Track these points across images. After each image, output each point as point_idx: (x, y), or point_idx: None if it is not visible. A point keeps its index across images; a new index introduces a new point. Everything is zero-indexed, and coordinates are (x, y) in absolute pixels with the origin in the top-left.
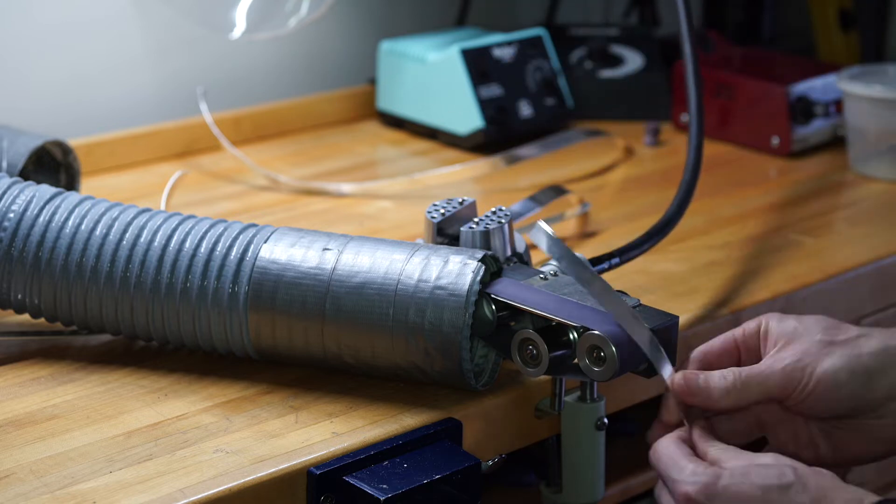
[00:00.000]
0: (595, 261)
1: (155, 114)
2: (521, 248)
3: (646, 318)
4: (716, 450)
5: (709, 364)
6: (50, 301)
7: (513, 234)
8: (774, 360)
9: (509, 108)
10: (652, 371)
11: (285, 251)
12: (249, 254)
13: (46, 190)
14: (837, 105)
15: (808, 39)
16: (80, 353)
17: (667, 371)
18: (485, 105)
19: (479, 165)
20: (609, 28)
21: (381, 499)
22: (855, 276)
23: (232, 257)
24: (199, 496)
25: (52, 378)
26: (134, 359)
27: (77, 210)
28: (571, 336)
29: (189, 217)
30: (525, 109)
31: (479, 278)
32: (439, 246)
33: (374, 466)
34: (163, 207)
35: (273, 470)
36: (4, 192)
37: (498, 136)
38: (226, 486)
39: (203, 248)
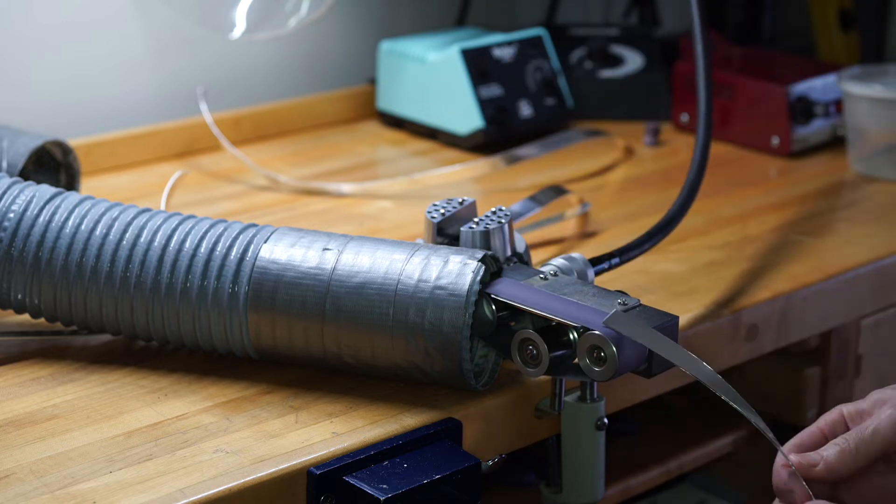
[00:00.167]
0: (595, 261)
1: (155, 114)
2: (521, 248)
3: (646, 318)
4: None
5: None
6: (50, 301)
7: (513, 234)
8: (876, 418)
9: (509, 108)
10: (652, 371)
11: (285, 251)
12: (249, 254)
13: (46, 190)
14: (837, 105)
15: (808, 39)
16: (80, 353)
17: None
18: (485, 105)
19: (479, 165)
20: (609, 28)
21: (381, 499)
22: (855, 276)
23: (232, 257)
24: (199, 496)
25: (52, 378)
26: (134, 359)
27: (77, 210)
28: (571, 336)
29: (189, 217)
30: (525, 109)
31: (479, 278)
32: (439, 246)
33: (374, 466)
34: (163, 207)
35: (273, 470)
36: (4, 192)
37: (498, 136)
38: (226, 486)
39: (203, 248)
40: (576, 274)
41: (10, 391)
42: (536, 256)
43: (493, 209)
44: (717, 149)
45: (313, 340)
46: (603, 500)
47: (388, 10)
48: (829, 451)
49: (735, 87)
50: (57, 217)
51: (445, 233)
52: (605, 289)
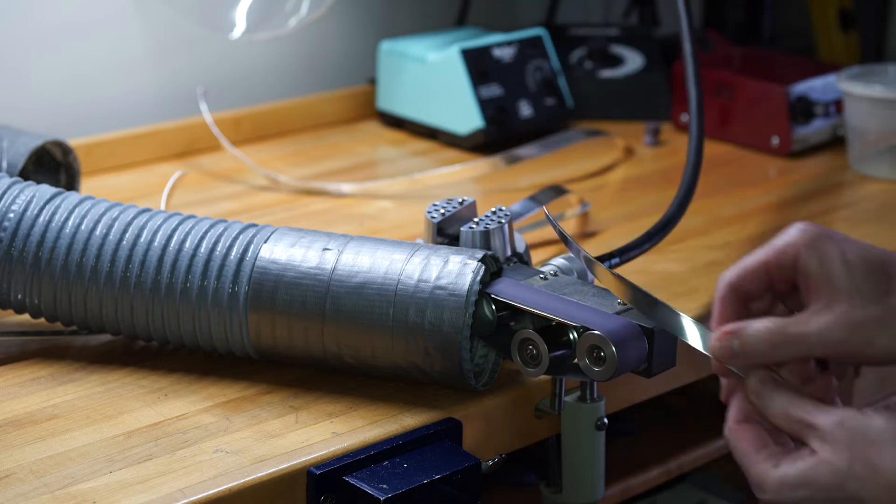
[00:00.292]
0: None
1: (155, 114)
2: (521, 248)
3: (646, 318)
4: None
5: (742, 298)
6: (50, 301)
7: (513, 234)
8: (819, 327)
9: (509, 108)
10: (652, 371)
11: (285, 251)
12: (249, 254)
13: (46, 190)
14: (837, 105)
15: (808, 39)
16: (80, 353)
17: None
18: (485, 105)
19: (479, 165)
20: (609, 28)
21: (381, 499)
22: None
23: (232, 257)
24: (199, 496)
25: (52, 378)
26: (134, 359)
27: (77, 210)
28: (571, 336)
29: (189, 217)
30: (525, 109)
31: (479, 278)
32: (439, 246)
33: (374, 466)
34: (163, 207)
35: (273, 470)
36: (4, 192)
37: (498, 136)
38: (226, 486)
39: (203, 248)
40: (576, 274)
41: (10, 391)
42: (536, 256)
43: (493, 209)
44: (718, 149)
45: (313, 340)
46: (603, 500)
47: (388, 10)
48: (754, 329)
49: (735, 87)
50: (57, 217)
51: (445, 233)
52: (605, 289)
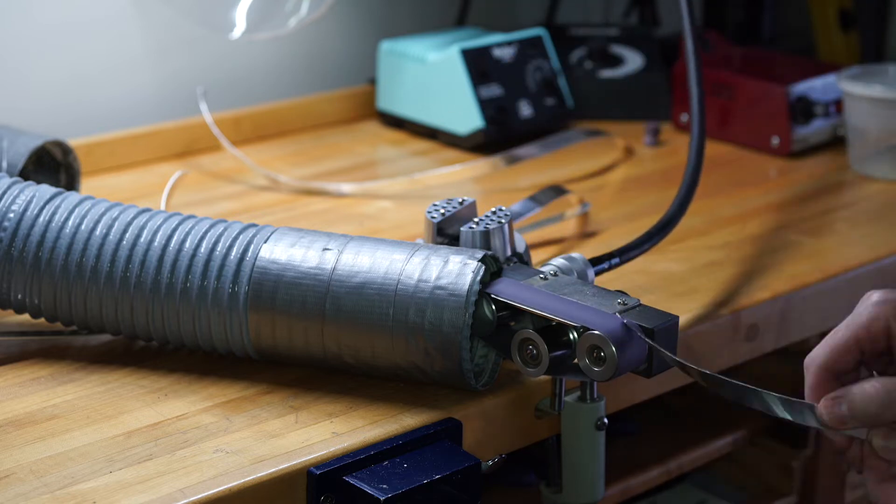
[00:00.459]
0: (595, 261)
1: (155, 114)
2: (521, 248)
3: (646, 318)
4: None
5: (834, 375)
6: (50, 301)
7: (513, 234)
8: None
9: (509, 108)
10: (652, 371)
11: (285, 251)
12: (249, 254)
13: (46, 190)
14: (837, 105)
15: (808, 39)
16: (80, 353)
17: (812, 419)
18: (485, 105)
19: (479, 165)
20: (609, 28)
21: (381, 499)
22: (855, 276)
23: (232, 257)
24: (199, 496)
25: (52, 378)
26: (134, 359)
27: (77, 210)
28: (571, 336)
29: (189, 217)
30: (525, 109)
31: (479, 278)
32: (439, 246)
33: (374, 466)
34: (163, 207)
35: (273, 470)
36: (4, 192)
37: (498, 136)
38: (226, 486)
39: (203, 248)
40: (576, 274)
41: (10, 391)
42: (536, 256)
43: (493, 209)
44: (718, 149)
45: (313, 340)
46: (603, 500)
47: (388, 10)
48: (861, 402)
49: (735, 87)
50: (57, 217)
51: (445, 233)
52: (605, 289)
